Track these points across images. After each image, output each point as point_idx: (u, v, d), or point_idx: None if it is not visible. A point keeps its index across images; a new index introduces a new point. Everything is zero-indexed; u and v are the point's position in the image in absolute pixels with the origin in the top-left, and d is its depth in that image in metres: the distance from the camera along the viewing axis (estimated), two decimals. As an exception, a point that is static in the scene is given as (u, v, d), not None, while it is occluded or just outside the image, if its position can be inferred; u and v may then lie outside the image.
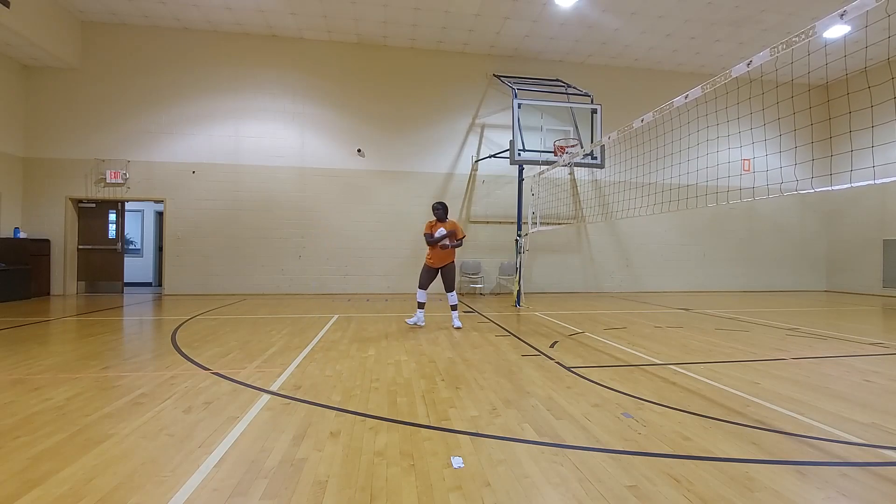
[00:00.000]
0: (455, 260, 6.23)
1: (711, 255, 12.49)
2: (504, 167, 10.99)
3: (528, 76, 11.32)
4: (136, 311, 7.50)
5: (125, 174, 9.95)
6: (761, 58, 3.58)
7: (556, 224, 10.62)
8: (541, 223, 9.57)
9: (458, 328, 6.07)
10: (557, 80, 11.31)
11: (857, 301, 10.25)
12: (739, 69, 3.78)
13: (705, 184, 10.84)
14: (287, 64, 10.59)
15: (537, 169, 9.12)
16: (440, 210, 6.09)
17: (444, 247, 5.89)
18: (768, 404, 3.07)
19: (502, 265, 11.24)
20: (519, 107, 9.00)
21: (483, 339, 5.31)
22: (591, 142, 9.24)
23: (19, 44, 8.70)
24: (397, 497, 1.89)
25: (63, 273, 9.86)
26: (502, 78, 10.98)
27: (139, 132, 10.09)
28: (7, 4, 7.83)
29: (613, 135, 5.95)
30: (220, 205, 10.32)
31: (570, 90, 10.87)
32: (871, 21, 9.32)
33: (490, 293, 11.15)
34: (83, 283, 10.24)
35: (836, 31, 9.60)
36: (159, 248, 12.49)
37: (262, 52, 10.49)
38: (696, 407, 3.01)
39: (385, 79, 10.96)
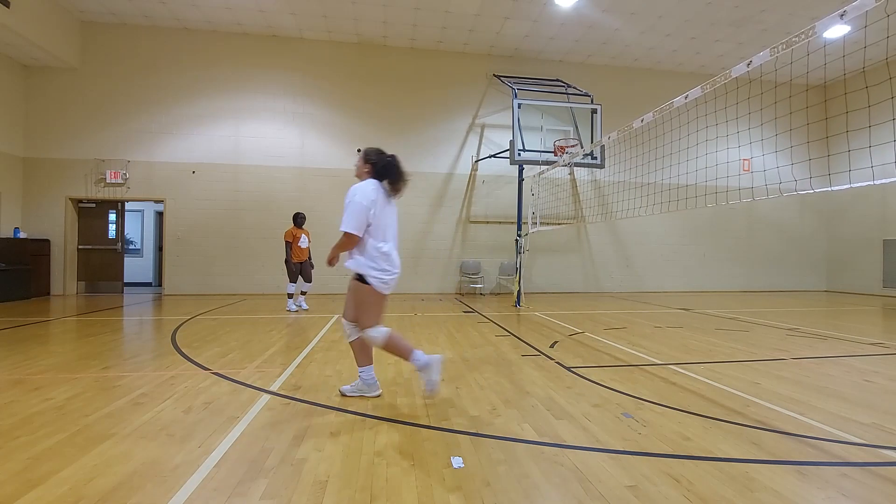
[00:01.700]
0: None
1: (711, 255, 12.49)
2: (504, 167, 10.98)
3: (528, 76, 11.32)
4: (136, 311, 7.50)
5: (125, 174, 9.95)
6: (761, 58, 3.58)
7: (556, 224, 10.61)
8: (541, 223, 9.58)
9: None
10: (557, 80, 11.31)
11: (857, 301, 10.25)
12: (739, 69, 3.78)
13: (705, 184, 10.84)
14: (287, 64, 10.59)
15: (537, 169, 9.12)
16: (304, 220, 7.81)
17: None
18: (768, 404, 3.07)
19: (502, 265, 11.24)
20: (519, 107, 9.00)
21: (483, 339, 5.31)
22: (591, 142, 9.24)
23: (19, 44, 8.70)
24: (397, 497, 1.89)
25: (63, 273, 9.86)
26: (502, 78, 10.98)
27: (139, 132, 10.09)
28: (7, 4, 7.83)
29: (613, 135, 5.95)
30: (220, 205, 10.32)
31: (570, 90, 10.88)
32: (871, 21, 9.32)
33: (490, 293, 11.15)
34: (83, 283, 10.24)
35: (836, 31, 9.60)
36: (159, 248, 12.49)
37: (262, 52, 10.49)
38: (696, 407, 3.01)
39: (385, 79, 10.96)
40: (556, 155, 8.94)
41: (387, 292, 2.97)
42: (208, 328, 5.88)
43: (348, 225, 2.83)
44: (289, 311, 7.55)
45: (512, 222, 11.03)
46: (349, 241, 2.86)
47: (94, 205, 10.26)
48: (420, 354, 2.95)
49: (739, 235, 12.68)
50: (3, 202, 9.30)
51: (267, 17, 9.70)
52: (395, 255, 2.99)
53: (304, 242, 7.61)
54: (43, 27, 8.81)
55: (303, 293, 7.88)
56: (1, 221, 9.19)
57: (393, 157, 3.10)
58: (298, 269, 7.65)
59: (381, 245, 2.91)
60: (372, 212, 2.85)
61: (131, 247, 12.79)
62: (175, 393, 3.19)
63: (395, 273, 2.98)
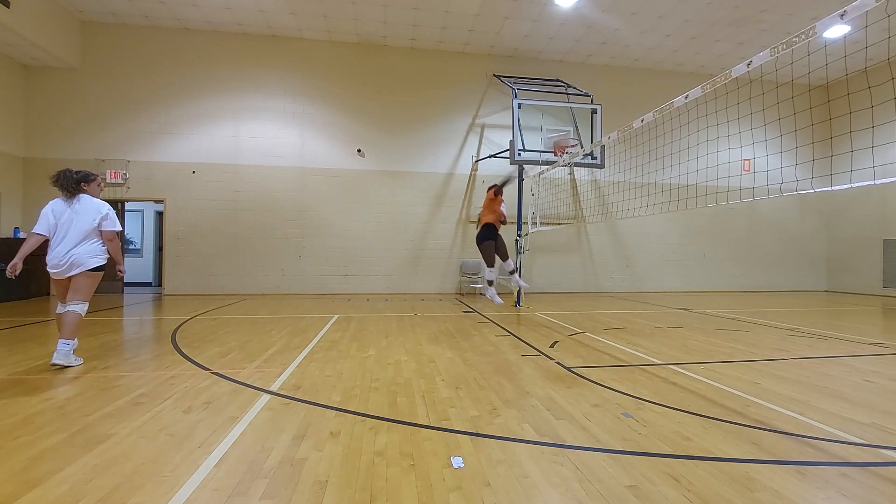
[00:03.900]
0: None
1: (711, 255, 12.49)
2: (504, 167, 10.98)
3: (528, 76, 11.32)
4: (136, 311, 7.49)
5: (125, 174, 9.95)
6: (761, 58, 3.58)
7: (556, 224, 10.61)
8: (541, 223, 9.57)
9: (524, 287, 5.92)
10: (557, 80, 11.31)
11: (857, 301, 10.25)
12: (739, 69, 3.78)
13: (705, 184, 10.83)
14: (287, 64, 10.59)
15: (537, 169, 9.12)
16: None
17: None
18: (768, 404, 3.07)
19: (502, 265, 11.22)
20: (519, 107, 9.00)
21: (483, 339, 5.31)
22: (591, 142, 9.24)
23: (19, 44, 8.70)
24: (397, 497, 1.89)
25: (63, 273, 9.85)
26: (502, 78, 10.98)
27: (139, 132, 10.09)
28: (7, 4, 7.83)
29: (613, 135, 5.95)
30: (220, 205, 10.32)
31: (570, 90, 10.87)
32: (871, 21, 9.32)
33: (490, 293, 11.14)
34: (83, 283, 10.22)
35: (836, 31, 9.60)
36: (159, 248, 12.48)
37: (262, 52, 10.49)
38: (696, 407, 3.01)
39: (385, 79, 10.96)
40: (556, 155, 8.94)
41: (53, 277, 4.00)
42: (208, 328, 5.88)
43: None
44: (493, 301, 6.39)
45: (512, 222, 11.01)
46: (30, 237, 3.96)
47: (94, 205, 10.25)
48: (64, 345, 3.88)
49: (739, 235, 12.67)
50: (3, 202, 9.30)
51: (267, 17, 9.70)
52: (57, 249, 3.92)
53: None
54: (43, 27, 8.81)
55: (510, 272, 6.22)
56: (1, 221, 9.20)
57: (57, 173, 4.03)
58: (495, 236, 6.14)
59: (53, 242, 3.95)
60: (51, 220, 3.94)
61: (131, 247, 12.79)
62: (175, 393, 3.19)
63: (53, 267, 3.93)
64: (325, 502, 1.85)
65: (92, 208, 4.05)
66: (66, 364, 3.87)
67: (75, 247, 3.94)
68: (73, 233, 3.94)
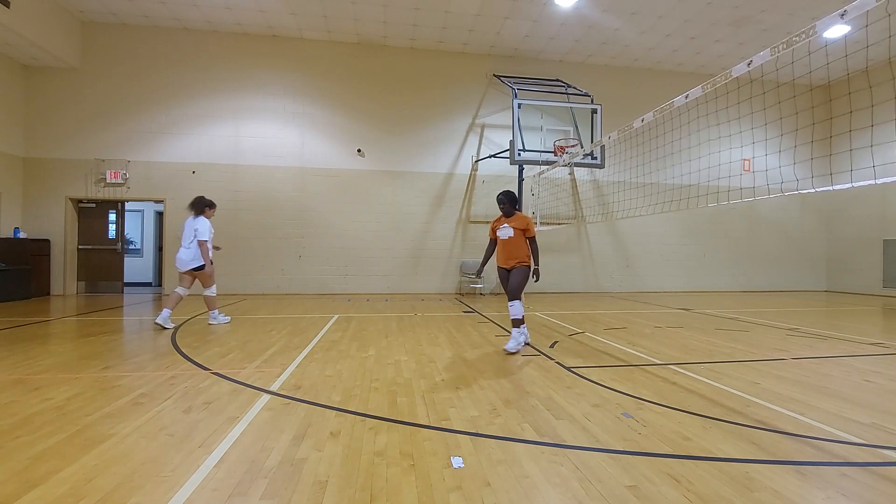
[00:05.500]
0: (528, 265, 4.64)
1: (711, 255, 12.49)
2: (504, 167, 10.99)
3: (528, 76, 11.32)
4: (136, 311, 7.49)
5: (125, 174, 9.95)
6: (762, 58, 3.58)
7: (556, 224, 10.61)
8: (541, 223, 9.57)
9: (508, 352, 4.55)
10: (557, 80, 11.31)
11: (857, 301, 10.25)
12: (740, 69, 3.78)
13: (705, 184, 10.84)
14: (287, 64, 10.59)
15: (537, 169, 9.12)
16: (506, 203, 4.68)
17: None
18: (768, 404, 3.07)
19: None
20: (519, 107, 9.00)
21: (483, 339, 5.31)
22: (591, 142, 9.24)
23: (19, 44, 8.70)
24: (397, 497, 1.89)
25: (63, 273, 9.86)
26: (502, 78, 10.98)
27: (139, 132, 10.09)
28: (7, 4, 7.83)
29: (613, 135, 5.96)
30: (220, 205, 10.28)
31: (570, 90, 10.88)
32: (871, 21, 9.33)
33: (490, 293, 11.15)
34: (83, 283, 10.23)
35: (837, 30, 9.60)
36: (159, 248, 12.48)
37: (262, 52, 10.49)
38: (696, 407, 3.01)
39: (385, 79, 10.96)
40: (556, 155, 8.94)
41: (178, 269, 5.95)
42: (208, 328, 5.88)
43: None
44: (508, 351, 4.56)
45: (512, 222, 11.01)
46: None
47: (94, 205, 10.26)
48: (212, 317, 6.20)
49: (739, 235, 12.67)
50: (3, 202, 9.29)
51: (267, 17, 9.70)
52: (180, 251, 5.87)
53: (505, 232, 4.65)
54: (43, 27, 8.81)
55: (516, 323, 4.63)
56: (1, 221, 9.19)
57: (195, 199, 5.97)
58: (506, 277, 4.73)
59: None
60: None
61: (131, 247, 12.79)
62: (175, 393, 3.19)
63: (177, 262, 5.93)
64: (325, 502, 1.85)
65: (193, 224, 5.82)
66: (164, 326, 5.72)
67: (183, 251, 5.82)
68: (185, 241, 5.85)
